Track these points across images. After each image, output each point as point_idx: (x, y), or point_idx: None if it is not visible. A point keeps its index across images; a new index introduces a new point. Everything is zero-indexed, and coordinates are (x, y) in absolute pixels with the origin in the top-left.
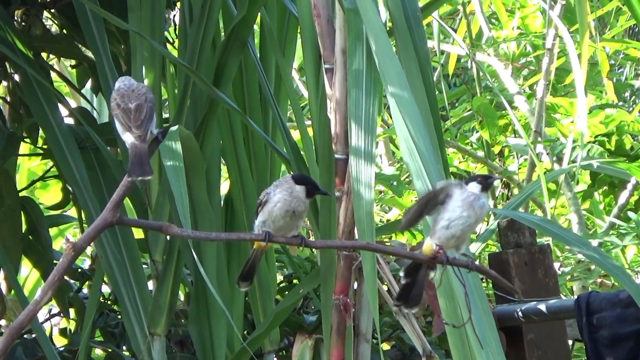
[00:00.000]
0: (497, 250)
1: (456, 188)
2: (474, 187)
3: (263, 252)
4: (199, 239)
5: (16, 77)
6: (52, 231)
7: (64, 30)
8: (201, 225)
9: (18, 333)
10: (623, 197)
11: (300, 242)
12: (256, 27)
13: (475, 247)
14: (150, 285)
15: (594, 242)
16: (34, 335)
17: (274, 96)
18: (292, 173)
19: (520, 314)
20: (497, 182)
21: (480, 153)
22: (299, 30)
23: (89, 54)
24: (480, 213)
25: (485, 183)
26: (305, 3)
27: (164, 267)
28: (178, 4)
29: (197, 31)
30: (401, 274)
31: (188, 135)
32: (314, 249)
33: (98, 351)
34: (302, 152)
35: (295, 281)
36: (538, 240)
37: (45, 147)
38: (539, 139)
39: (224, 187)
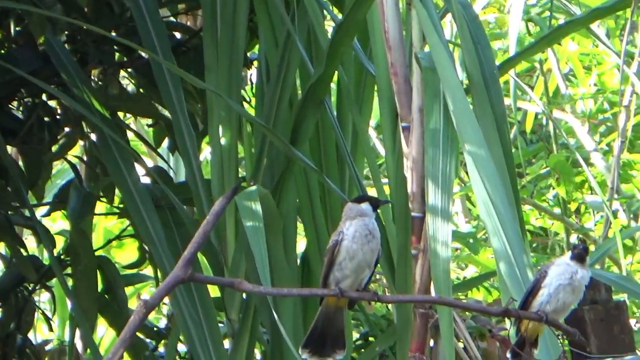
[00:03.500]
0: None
1: (552, 265)
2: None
3: (342, 312)
4: (270, 295)
5: (93, 137)
6: (128, 290)
7: (141, 89)
8: (277, 283)
9: None
10: None
11: (373, 296)
12: (333, 85)
13: None
14: (227, 344)
15: None
16: None
17: (351, 154)
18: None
19: None
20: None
21: (557, 210)
22: (375, 89)
23: (166, 112)
24: (579, 284)
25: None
26: (382, 61)
27: (240, 325)
28: (255, 62)
29: (274, 89)
30: (508, 354)
31: (265, 194)
32: (390, 306)
33: None
34: (378, 210)
35: (371, 339)
36: (614, 296)
37: (121, 206)
38: (616, 195)
39: (301, 245)
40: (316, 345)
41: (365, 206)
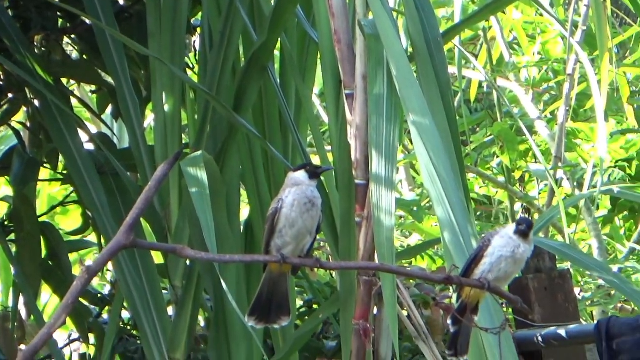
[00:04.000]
0: (517, 275)
1: (495, 235)
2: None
3: (286, 278)
4: (213, 261)
5: (36, 103)
6: (72, 256)
7: (84, 56)
8: (221, 250)
9: (32, 357)
10: None
11: (316, 263)
12: (276, 53)
13: None
14: (170, 310)
15: (615, 268)
16: None
17: (294, 121)
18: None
19: (540, 339)
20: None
21: (501, 178)
22: (319, 56)
23: (109, 79)
24: (521, 257)
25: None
26: (325, 29)
27: (183, 292)
28: (198, 29)
29: (217, 57)
30: (449, 321)
31: (209, 160)
32: (333, 274)
33: None
34: (322, 178)
35: (315, 306)
36: (558, 265)
37: (65, 172)
38: (560, 164)
39: (244, 212)
40: (262, 312)
41: (300, 174)
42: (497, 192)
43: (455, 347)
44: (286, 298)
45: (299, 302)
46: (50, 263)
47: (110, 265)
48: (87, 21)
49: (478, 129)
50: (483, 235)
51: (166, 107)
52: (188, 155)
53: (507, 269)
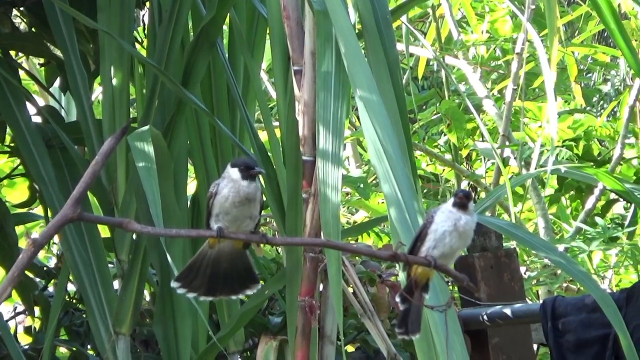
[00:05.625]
0: (463, 254)
1: (439, 210)
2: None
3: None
4: (159, 235)
5: None
6: (19, 229)
7: (33, 29)
8: (168, 225)
9: None
10: (590, 202)
11: (262, 238)
12: (225, 28)
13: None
14: (116, 284)
15: (561, 247)
16: None
17: (242, 97)
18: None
19: (485, 317)
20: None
21: (448, 156)
22: (268, 32)
23: (58, 52)
24: (464, 230)
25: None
26: (274, 4)
27: (129, 266)
28: (147, 3)
29: (166, 31)
30: (397, 299)
31: (156, 135)
32: (280, 250)
33: (63, 350)
34: (269, 154)
35: (261, 282)
36: (504, 244)
37: (12, 145)
38: (507, 143)
39: (191, 187)
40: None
41: (234, 172)
42: (444, 170)
43: (406, 325)
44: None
45: None
46: None
47: (56, 238)
48: None
49: (426, 107)
50: (429, 212)
51: (114, 81)
52: (135, 130)
53: (452, 243)
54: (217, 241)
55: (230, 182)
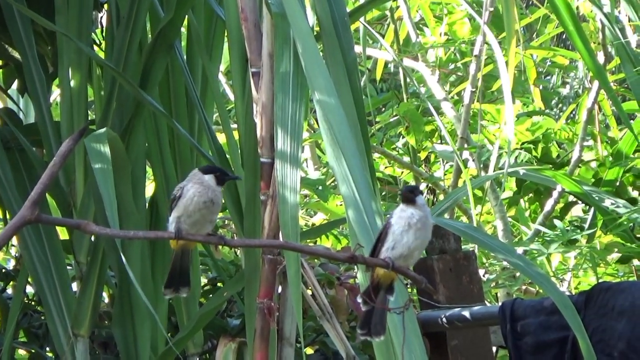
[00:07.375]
0: (422, 256)
1: (396, 210)
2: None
3: (189, 253)
4: (117, 237)
5: None
6: None
7: None
8: (126, 227)
9: None
10: (549, 204)
11: (219, 240)
12: (183, 30)
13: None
14: (75, 286)
15: (520, 250)
16: None
17: (200, 99)
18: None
19: (444, 320)
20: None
21: (407, 159)
22: (226, 34)
23: (16, 54)
24: (420, 225)
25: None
26: (232, 7)
27: (88, 268)
28: (105, 5)
29: (124, 33)
30: (359, 299)
31: (114, 137)
32: (238, 252)
33: (21, 352)
34: (227, 156)
35: (219, 284)
36: (463, 246)
37: None
38: (465, 145)
39: (149, 189)
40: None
41: (209, 179)
42: (402, 172)
43: (369, 326)
44: (187, 270)
45: (203, 280)
46: None
47: (14, 240)
48: None
49: (384, 109)
50: (389, 214)
51: (72, 83)
52: (92, 132)
53: (410, 243)
54: (177, 243)
55: (200, 187)
